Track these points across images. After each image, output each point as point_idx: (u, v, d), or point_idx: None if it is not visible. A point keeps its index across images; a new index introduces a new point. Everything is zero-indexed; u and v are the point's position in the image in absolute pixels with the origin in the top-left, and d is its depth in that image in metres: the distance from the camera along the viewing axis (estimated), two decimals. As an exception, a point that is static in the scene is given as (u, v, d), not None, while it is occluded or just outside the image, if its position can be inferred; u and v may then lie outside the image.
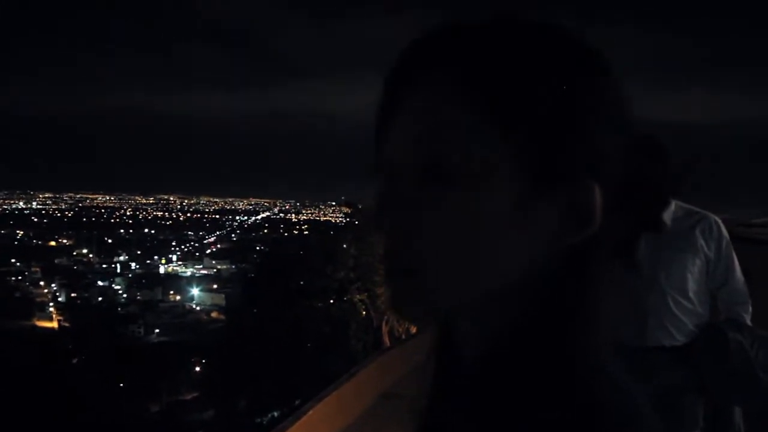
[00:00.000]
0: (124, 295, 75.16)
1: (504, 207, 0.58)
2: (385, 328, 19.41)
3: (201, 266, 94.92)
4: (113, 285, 79.33)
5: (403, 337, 17.66)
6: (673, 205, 3.02)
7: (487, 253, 0.59)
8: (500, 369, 0.60)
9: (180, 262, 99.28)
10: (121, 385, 33.97)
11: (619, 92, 0.62)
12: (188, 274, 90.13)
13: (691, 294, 2.98)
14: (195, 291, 75.97)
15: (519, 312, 0.61)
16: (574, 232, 0.59)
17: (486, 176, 0.58)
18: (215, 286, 75.37)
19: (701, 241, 2.97)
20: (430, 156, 0.59)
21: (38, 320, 60.73)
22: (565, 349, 0.59)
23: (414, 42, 0.63)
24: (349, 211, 23.15)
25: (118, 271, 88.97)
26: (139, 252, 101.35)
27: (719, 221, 3.01)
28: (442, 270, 0.59)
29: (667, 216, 2.99)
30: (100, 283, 79.21)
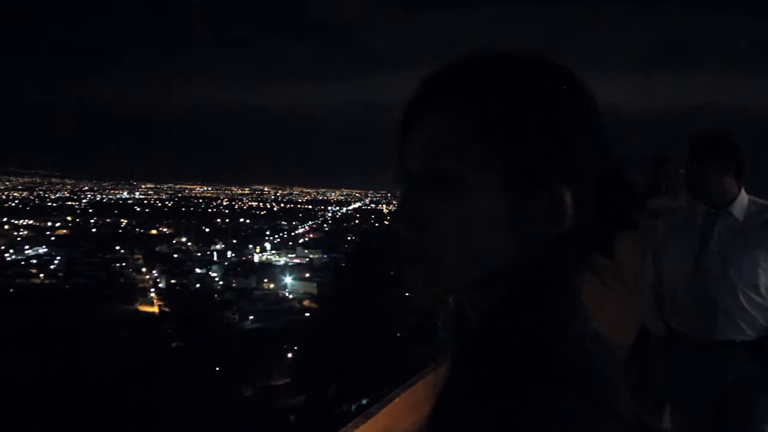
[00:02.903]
0: (221, 283, 76.90)
1: (493, 209, 0.75)
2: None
3: (294, 255, 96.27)
4: (210, 272, 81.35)
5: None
6: (746, 199, 3.04)
7: (480, 244, 0.75)
8: (489, 338, 0.76)
9: (274, 251, 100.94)
10: (217, 368, 34.98)
11: (595, 113, 0.79)
12: (281, 262, 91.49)
13: (762, 289, 3.00)
14: (288, 279, 77.12)
15: (506, 292, 0.76)
16: (551, 228, 0.76)
17: (479, 184, 0.75)
18: (307, 275, 76.31)
19: (774, 237, 2.99)
20: (436, 168, 0.76)
21: (140, 305, 63.02)
22: (542, 320, 0.74)
23: (428, 75, 0.80)
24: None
25: (215, 259, 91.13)
26: (234, 241, 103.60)
27: (792, 216, 3.01)
28: (445, 257, 0.76)
29: (740, 211, 3.02)
30: (197, 270, 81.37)
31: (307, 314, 47.38)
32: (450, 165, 0.75)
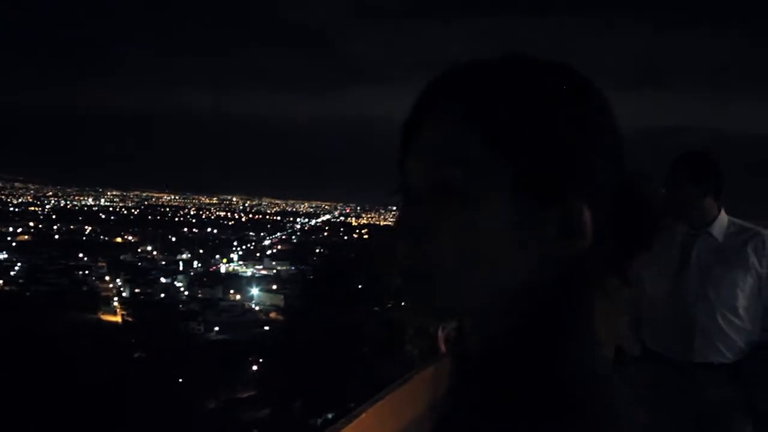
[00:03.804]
0: (186, 293, 76.18)
1: (504, 223, 0.68)
2: (441, 335, 19.43)
3: (261, 266, 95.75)
4: (175, 282, 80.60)
5: (459, 344, 17.63)
6: (726, 220, 3.04)
7: (488, 263, 0.68)
8: (495, 366, 0.69)
9: (241, 262, 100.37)
10: (180, 380, 34.55)
11: (610, 121, 0.73)
12: (248, 273, 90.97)
13: (741, 311, 2.99)
14: (254, 291, 76.67)
15: (515, 316, 0.70)
16: (566, 247, 0.68)
17: (487, 197, 0.68)
18: (274, 287, 75.91)
19: (753, 258, 2.98)
20: (440, 178, 0.69)
21: (103, 314, 62.14)
22: (554, 350, 0.68)
23: (431, 80, 0.74)
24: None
25: (181, 268, 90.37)
26: (201, 251, 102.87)
27: (772, 238, 3.01)
28: (449, 275, 0.69)
29: (719, 232, 3.01)
30: (162, 280, 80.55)
31: (274, 326, 47.08)
32: (455, 175, 0.69)
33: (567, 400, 0.63)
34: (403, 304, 0.73)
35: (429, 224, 0.69)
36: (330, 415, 21.50)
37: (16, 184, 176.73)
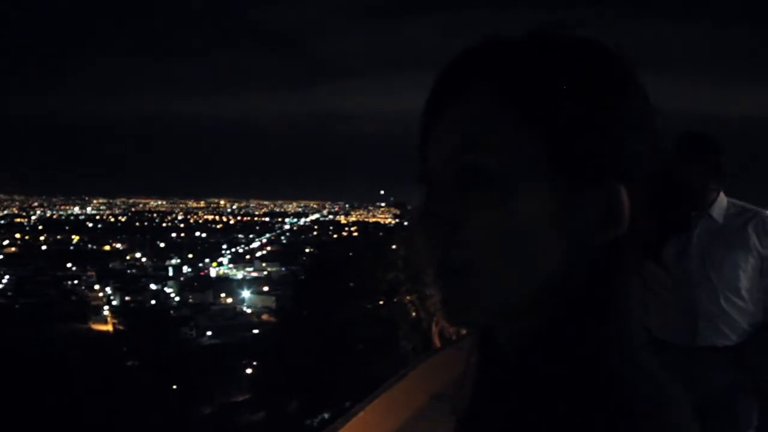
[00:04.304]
0: (177, 298, 76.18)
1: (541, 209, 0.63)
2: (435, 329, 19.36)
3: (251, 269, 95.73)
4: (165, 288, 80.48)
5: (454, 338, 17.62)
6: (725, 202, 2.97)
7: (527, 253, 0.63)
8: (541, 365, 0.63)
9: (231, 265, 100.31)
10: (174, 387, 34.43)
11: (648, 101, 0.68)
12: (239, 276, 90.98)
13: (743, 292, 2.93)
14: (246, 293, 76.67)
15: (556, 310, 0.64)
16: (605, 232, 0.64)
17: (523, 181, 0.63)
18: (266, 289, 75.97)
19: (754, 239, 2.92)
20: (471, 163, 0.64)
21: (94, 323, 61.92)
22: (599, 343, 0.63)
23: (455, 57, 0.68)
24: (399, 213, 23.16)
25: (171, 274, 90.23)
26: (190, 255, 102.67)
27: (773, 218, 2.96)
28: (487, 269, 0.63)
29: (719, 213, 2.95)
30: (152, 286, 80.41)
31: (266, 328, 46.99)
32: (485, 159, 0.63)
33: (626, 396, 0.59)
34: (438, 304, 0.68)
35: (461, 215, 0.64)
36: (326, 415, 21.43)
37: (1, 196, 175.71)
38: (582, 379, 0.60)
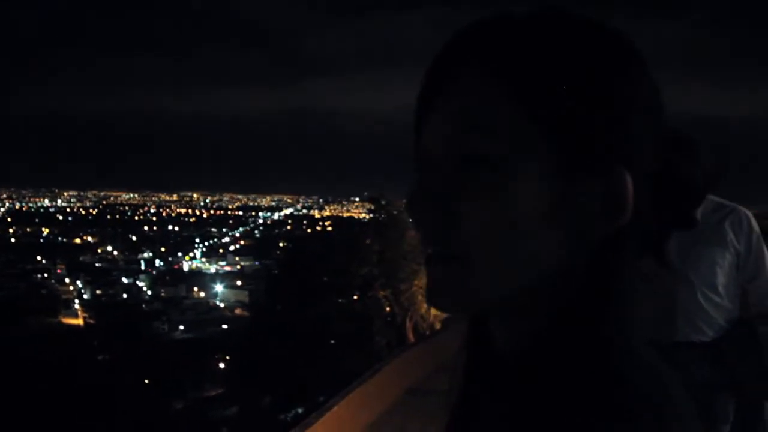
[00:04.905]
0: (149, 292, 75.72)
1: (541, 197, 0.60)
2: (409, 324, 19.40)
3: (224, 263, 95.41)
4: (137, 282, 79.97)
5: (427, 333, 17.65)
6: (702, 198, 2.98)
7: (525, 242, 0.61)
8: (542, 362, 0.61)
9: (203, 259, 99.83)
10: (146, 381, 34.19)
11: (653, 87, 0.65)
12: (212, 270, 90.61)
13: (720, 288, 2.93)
14: (219, 288, 76.39)
15: (556, 304, 0.62)
16: (608, 220, 0.61)
17: (523, 165, 0.60)
18: (239, 283, 75.72)
19: (731, 235, 2.92)
20: (468, 145, 0.61)
21: (64, 317, 61.29)
22: (601, 338, 0.60)
23: (453, 36, 0.65)
24: (373, 207, 23.12)
25: (143, 268, 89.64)
26: (163, 249, 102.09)
27: (749, 214, 2.96)
28: (483, 255, 0.61)
29: (697, 210, 2.95)
30: (124, 280, 79.92)
31: (239, 323, 46.80)
32: (483, 143, 0.60)
33: (627, 395, 0.56)
34: (428, 288, 0.64)
35: (454, 201, 0.61)
36: (300, 410, 21.36)
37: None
38: (582, 378, 0.58)
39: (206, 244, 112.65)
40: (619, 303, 0.62)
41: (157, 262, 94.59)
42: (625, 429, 0.54)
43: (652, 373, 0.60)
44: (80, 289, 74.13)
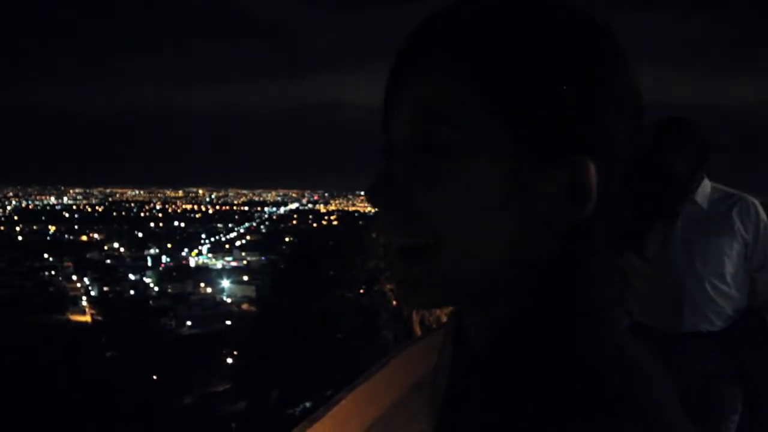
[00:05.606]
0: (156, 289, 75.77)
1: (502, 185, 0.59)
2: (415, 318, 19.40)
3: (231, 258, 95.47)
4: (144, 278, 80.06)
5: (434, 326, 17.64)
6: (709, 187, 2.95)
7: (487, 231, 0.59)
8: (508, 353, 0.60)
9: (210, 255, 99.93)
10: (154, 377, 34.26)
11: (629, 75, 0.62)
12: (218, 266, 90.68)
13: (728, 278, 2.92)
14: (225, 283, 76.40)
15: (523, 293, 0.61)
16: (571, 210, 0.60)
17: (480, 153, 0.59)
18: (245, 278, 75.79)
19: (738, 224, 2.90)
20: (426, 134, 0.60)
21: (72, 314, 61.42)
22: (567, 329, 0.59)
23: (418, 25, 0.64)
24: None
25: (149, 264, 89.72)
26: (169, 245, 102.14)
27: (757, 203, 2.94)
28: (444, 245, 0.60)
29: (703, 199, 2.93)
30: (131, 276, 79.96)
31: (246, 318, 46.87)
32: (443, 130, 0.59)
33: (604, 394, 0.54)
34: (395, 285, 0.64)
35: (414, 189, 0.60)
36: (308, 404, 21.42)
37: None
38: (552, 368, 0.56)
39: (212, 239, 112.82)
40: (587, 293, 0.61)
41: (164, 259, 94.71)
42: (600, 416, 0.52)
43: (627, 363, 0.58)
44: (87, 286, 74.18)
